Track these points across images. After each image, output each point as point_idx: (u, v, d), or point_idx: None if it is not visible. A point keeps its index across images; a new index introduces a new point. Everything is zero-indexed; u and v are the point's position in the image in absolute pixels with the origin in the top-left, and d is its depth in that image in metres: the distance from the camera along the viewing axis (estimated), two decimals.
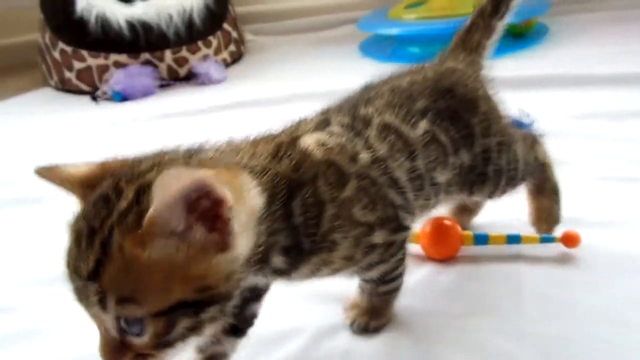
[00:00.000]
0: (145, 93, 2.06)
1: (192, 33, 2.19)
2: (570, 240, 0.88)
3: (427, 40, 1.93)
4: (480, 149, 0.75)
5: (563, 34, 2.04)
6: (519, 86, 1.48)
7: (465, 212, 0.98)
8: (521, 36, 2.02)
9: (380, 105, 0.69)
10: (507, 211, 1.01)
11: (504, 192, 0.82)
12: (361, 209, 0.62)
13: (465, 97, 0.75)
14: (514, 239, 0.90)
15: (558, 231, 0.89)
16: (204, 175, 0.44)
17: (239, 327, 0.69)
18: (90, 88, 2.16)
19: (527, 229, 0.91)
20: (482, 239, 0.91)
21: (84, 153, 1.66)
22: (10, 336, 0.85)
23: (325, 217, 0.59)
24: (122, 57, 2.12)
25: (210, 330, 0.51)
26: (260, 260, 0.54)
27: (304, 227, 0.58)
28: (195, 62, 2.18)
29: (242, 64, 2.39)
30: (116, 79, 2.05)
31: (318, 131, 0.64)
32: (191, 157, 0.53)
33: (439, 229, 0.91)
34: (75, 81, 2.20)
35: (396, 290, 0.76)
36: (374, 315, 0.76)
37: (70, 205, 1.28)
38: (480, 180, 0.78)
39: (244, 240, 0.49)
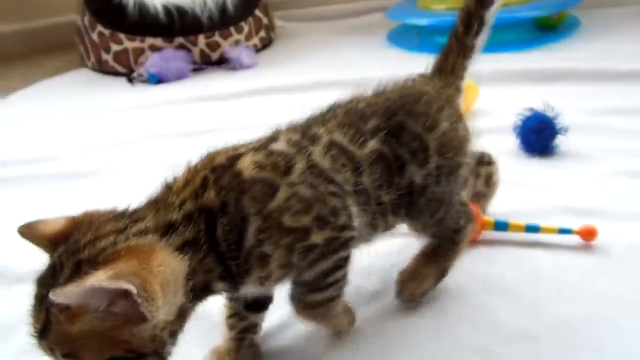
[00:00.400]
0: (179, 76, 2.13)
1: (224, 18, 2.25)
2: (588, 234, 0.91)
3: None
4: (434, 164, 0.74)
5: (595, 27, 2.03)
6: (546, 79, 1.51)
7: (479, 197, 1.00)
8: (552, 28, 2.02)
9: (332, 126, 0.71)
10: (527, 201, 1.06)
11: (433, 226, 0.80)
12: (292, 215, 0.63)
13: (426, 115, 0.74)
14: (532, 229, 0.94)
15: (576, 224, 0.92)
16: (98, 281, 0.49)
17: (256, 304, 0.76)
18: (126, 70, 2.24)
19: (546, 220, 0.95)
20: (502, 226, 0.95)
21: (121, 134, 1.75)
22: None
23: (248, 232, 0.61)
24: (158, 41, 2.20)
25: None
26: (203, 292, 0.62)
27: (228, 252, 0.61)
28: (227, 47, 2.24)
29: (272, 50, 2.44)
30: (152, 62, 2.12)
31: (259, 150, 0.66)
32: (126, 227, 0.59)
33: None
34: (112, 63, 2.28)
35: (332, 300, 0.72)
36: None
37: (113, 181, 1.35)
38: (427, 204, 0.76)
39: (166, 307, 0.55)
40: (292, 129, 0.72)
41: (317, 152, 0.67)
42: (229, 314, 0.76)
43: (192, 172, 0.65)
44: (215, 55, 2.25)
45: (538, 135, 1.18)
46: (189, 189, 0.62)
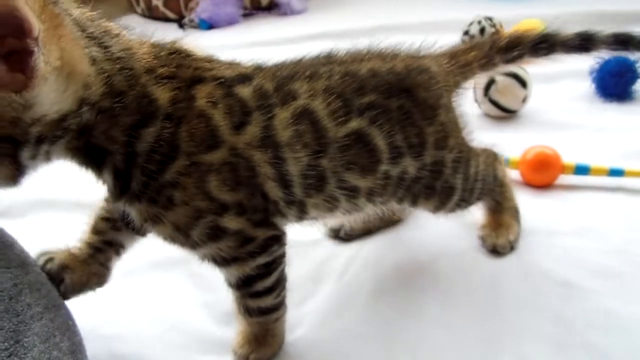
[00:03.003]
0: (230, 22, 2.11)
1: None
2: None
3: None
4: (431, 160, 0.67)
5: None
6: (625, 21, 1.42)
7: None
8: None
9: (318, 87, 0.61)
10: (605, 145, 1.02)
11: (452, 210, 0.75)
12: (219, 182, 0.55)
13: (425, 102, 0.66)
14: (616, 172, 0.91)
15: None
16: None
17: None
18: (176, 16, 2.23)
19: (630, 164, 0.92)
20: (583, 170, 0.92)
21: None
22: None
23: (172, 166, 0.53)
24: None
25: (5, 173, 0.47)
26: (89, 146, 0.51)
27: (143, 161, 0.52)
28: None
29: None
30: (203, 7, 2.10)
31: (223, 85, 0.57)
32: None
33: (539, 156, 0.93)
34: (162, 9, 2.27)
35: (271, 312, 0.65)
36: (255, 345, 0.67)
37: None
38: (426, 193, 0.70)
39: (46, 92, 0.45)
40: (271, 73, 0.61)
41: (281, 118, 0.58)
42: (102, 215, 0.66)
43: (171, 58, 0.56)
44: (265, 1, 2.21)
45: (618, 79, 1.13)
46: (152, 57, 0.54)
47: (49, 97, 0.45)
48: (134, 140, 0.52)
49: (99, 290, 0.67)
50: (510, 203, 0.82)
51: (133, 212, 0.56)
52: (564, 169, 0.93)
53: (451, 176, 0.70)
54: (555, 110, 1.16)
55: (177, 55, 0.57)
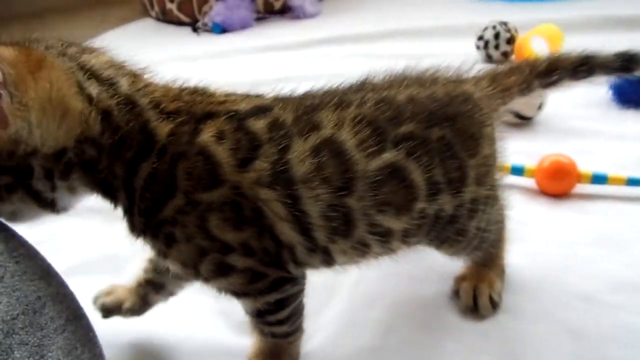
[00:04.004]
0: (243, 25, 2.12)
1: None
2: None
3: None
4: (470, 197, 0.62)
5: None
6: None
7: None
8: None
9: (347, 116, 0.56)
10: (624, 154, 1.01)
11: (466, 255, 0.71)
12: (220, 220, 0.53)
13: (468, 132, 0.61)
14: (634, 182, 0.90)
15: None
16: None
17: None
18: (189, 19, 2.25)
19: None
20: (600, 179, 0.92)
21: (190, 84, 1.76)
22: None
23: (170, 204, 0.52)
24: None
25: (19, 206, 0.53)
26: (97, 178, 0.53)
27: (140, 197, 0.53)
28: None
29: None
30: (216, 11, 2.12)
31: (233, 119, 0.54)
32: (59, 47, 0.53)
33: (556, 165, 0.92)
34: (176, 12, 2.28)
35: (285, 337, 0.65)
36: (270, 358, 0.66)
37: None
38: (457, 236, 0.65)
39: (39, 129, 0.49)
40: (293, 103, 0.58)
41: (297, 151, 0.54)
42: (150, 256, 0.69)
43: (180, 92, 0.56)
44: (278, 4, 2.22)
45: (637, 86, 1.12)
46: (165, 94, 0.55)
47: (35, 132, 0.49)
48: (133, 176, 0.53)
49: None
50: (501, 260, 0.76)
51: (153, 246, 0.57)
52: (580, 178, 0.92)
53: (481, 219, 0.65)
54: (571, 117, 1.15)
55: (195, 93, 0.57)
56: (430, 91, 0.61)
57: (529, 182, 0.96)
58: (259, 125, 0.54)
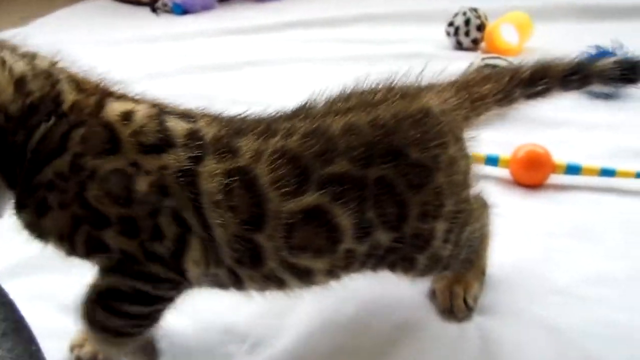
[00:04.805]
0: (205, 7, 2.03)
1: None
2: None
3: None
4: (412, 232, 0.56)
5: None
6: (611, 15, 1.41)
7: None
8: None
9: (268, 149, 0.50)
10: (596, 144, 1.00)
11: (429, 274, 0.65)
12: (101, 192, 0.48)
13: (418, 164, 0.54)
14: (608, 172, 0.89)
15: None
16: None
17: None
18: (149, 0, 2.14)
19: (620, 163, 0.90)
20: (574, 169, 0.90)
21: (149, 66, 1.66)
22: None
23: (52, 164, 0.48)
24: None
25: None
26: None
27: (28, 161, 0.49)
28: None
29: None
30: None
31: (155, 108, 0.53)
32: None
33: (531, 155, 0.90)
34: None
35: (119, 335, 0.55)
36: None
37: None
38: (405, 265, 0.59)
39: None
40: (219, 122, 0.54)
41: (208, 166, 0.49)
42: None
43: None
44: None
45: None
46: (84, 78, 0.53)
47: None
48: (28, 140, 0.49)
49: None
50: (481, 261, 0.69)
51: (22, 220, 0.51)
52: (555, 168, 0.91)
53: (440, 247, 0.58)
54: (543, 108, 1.14)
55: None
56: (373, 116, 0.53)
57: (503, 172, 0.93)
58: (178, 126, 0.51)
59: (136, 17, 2.06)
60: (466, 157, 0.60)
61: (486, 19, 1.45)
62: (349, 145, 0.51)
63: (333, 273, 0.56)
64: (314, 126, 0.52)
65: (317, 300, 0.72)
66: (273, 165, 0.50)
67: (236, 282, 0.55)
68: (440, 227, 0.57)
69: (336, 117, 0.53)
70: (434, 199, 0.55)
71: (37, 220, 0.49)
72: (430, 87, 0.60)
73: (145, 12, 2.08)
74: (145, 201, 0.48)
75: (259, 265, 0.52)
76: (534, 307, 0.69)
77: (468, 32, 1.44)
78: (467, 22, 1.43)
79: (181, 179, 0.49)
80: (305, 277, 0.55)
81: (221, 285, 0.56)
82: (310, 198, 0.50)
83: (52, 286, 0.73)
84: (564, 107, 1.13)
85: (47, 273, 0.75)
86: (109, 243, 0.49)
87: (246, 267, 0.52)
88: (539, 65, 0.62)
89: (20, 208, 0.50)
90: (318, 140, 0.51)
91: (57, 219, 0.48)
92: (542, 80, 0.62)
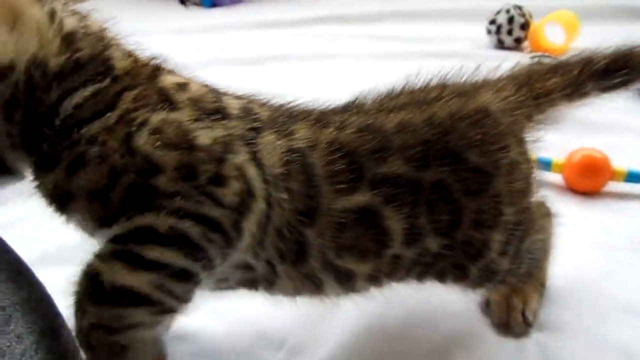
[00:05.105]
0: (234, 0, 2.00)
1: None
2: None
3: None
4: (463, 239, 0.51)
5: None
6: None
7: None
8: None
9: (323, 139, 0.47)
10: None
11: (483, 287, 0.59)
12: (155, 139, 0.42)
13: (476, 169, 0.50)
14: None
15: None
16: None
17: None
18: None
19: None
20: (635, 177, 0.84)
21: (178, 58, 1.63)
22: None
23: (96, 122, 0.43)
24: None
25: None
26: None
27: (60, 120, 0.43)
28: None
29: None
30: None
31: (207, 86, 0.49)
32: None
33: (587, 160, 0.84)
34: None
35: (124, 308, 0.43)
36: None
37: None
38: (456, 273, 0.54)
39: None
40: (271, 106, 0.51)
41: (268, 140, 0.46)
42: None
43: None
44: None
45: None
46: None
47: None
48: (62, 100, 0.44)
49: None
50: (541, 272, 0.64)
51: (43, 188, 0.44)
52: (613, 175, 0.85)
53: (495, 260, 0.53)
54: (602, 110, 1.08)
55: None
56: (429, 114, 0.50)
57: (555, 177, 0.87)
58: (233, 102, 0.48)
59: (165, 9, 2.04)
60: (528, 161, 0.54)
61: (531, 17, 1.38)
62: (404, 144, 0.48)
63: (375, 279, 0.52)
64: (368, 121, 0.49)
65: (360, 306, 0.67)
66: (328, 158, 0.46)
67: (269, 280, 0.50)
68: (497, 237, 0.52)
69: (390, 114, 0.50)
70: (491, 207, 0.51)
71: (67, 179, 0.42)
72: (487, 85, 0.55)
73: (174, 4, 2.06)
74: (209, 150, 0.43)
75: (302, 262, 0.48)
76: (598, 325, 0.63)
77: (511, 30, 1.38)
78: (510, 19, 1.37)
79: (244, 144, 0.45)
80: (346, 281, 0.50)
81: (250, 283, 0.51)
82: (362, 197, 0.47)
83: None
84: (623, 109, 1.07)
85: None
86: (164, 188, 0.42)
87: (287, 263, 0.48)
88: (618, 54, 0.56)
89: (45, 170, 0.43)
90: (373, 137, 0.48)
91: (93, 172, 0.42)
92: (621, 70, 0.55)
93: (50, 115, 0.44)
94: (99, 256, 0.42)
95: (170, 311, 0.45)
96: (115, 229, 0.42)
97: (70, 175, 0.42)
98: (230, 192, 0.43)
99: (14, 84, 0.43)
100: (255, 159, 0.45)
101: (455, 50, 1.38)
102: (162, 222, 0.41)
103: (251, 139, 0.45)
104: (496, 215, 0.51)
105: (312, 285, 0.51)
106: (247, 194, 0.44)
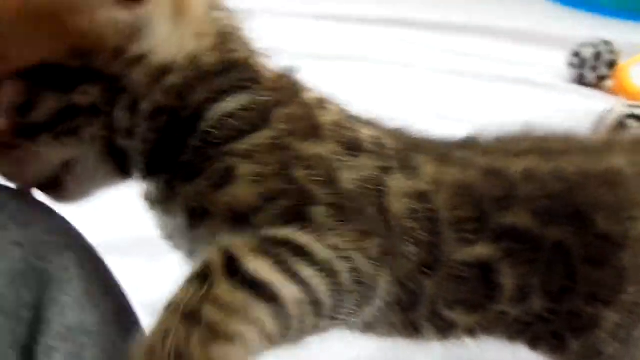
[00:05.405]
0: None
1: None
2: None
3: None
4: (572, 308, 0.47)
5: None
6: None
7: None
8: None
9: (448, 177, 0.44)
10: None
11: None
12: (309, 173, 0.40)
13: (603, 236, 0.45)
14: None
15: None
16: None
17: None
18: None
19: None
20: None
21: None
22: None
23: (250, 137, 0.40)
24: None
25: (89, 142, 0.39)
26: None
27: (209, 126, 0.40)
28: None
29: None
30: None
31: (342, 110, 0.45)
32: None
33: None
34: None
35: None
36: None
37: None
38: (552, 343, 0.49)
39: (157, 19, 0.38)
40: (391, 131, 0.47)
41: (396, 181, 0.42)
42: None
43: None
44: None
45: None
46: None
47: (160, 30, 0.38)
48: (210, 103, 0.41)
49: None
50: None
51: (175, 210, 0.41)
52: None
53: (602, 341, 0.48)
54: None
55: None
56: (554, 166, 0.46)
57: None
58: (364, 132, 0.44)
59: None
60: None
61: (619, 56, 1.29)
62: (530, 195, 0.44)
63: (473, 332, 0.48)
64: (495, 164, 0.45)
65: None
66: (454, 201, 0.43)
67: (369, 325, 0.46)
68: (610, 317, 0.47)
69: (515, 159, 0.46)
70: (611, 281, 0.46)
71: (212, 192, 0.39)
72: (620, 145, 0.50)
73: None
74: (352, 192, 0.40)
75: (410, 312, 0.45)
76: None
77: (596, 67, 1.29)
78: (597, 55, 1.28)
79: (372, 188, 0.41)
80: (446, 330, 0.47)
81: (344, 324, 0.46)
82: (484, 250, 0.43)
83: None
84: None
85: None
86: (312, 217, 0.39)
87: (395, 311, 0.44)
88: None
89: (185, 180, 0.40)
90: (499, 182, 0.44)
91: (245, 189, 0.39)
92: None
93: (192, 121, 0.40)
94: (239, 244, 0.37)
95: (283, 333, 0.38)
96: (265, 231, 0.38)
97: (216, 188, 0.39)
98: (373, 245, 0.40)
99: (170, 86, 0.39)
100: (381, 206, 0.41)
101: (531, 78, 1.31)
102: (299, 237, 0.38)
103: (380, 182, 0.41)
104: (615, 292, 0.47)
105: (410, 331, 0.47)
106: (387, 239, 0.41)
